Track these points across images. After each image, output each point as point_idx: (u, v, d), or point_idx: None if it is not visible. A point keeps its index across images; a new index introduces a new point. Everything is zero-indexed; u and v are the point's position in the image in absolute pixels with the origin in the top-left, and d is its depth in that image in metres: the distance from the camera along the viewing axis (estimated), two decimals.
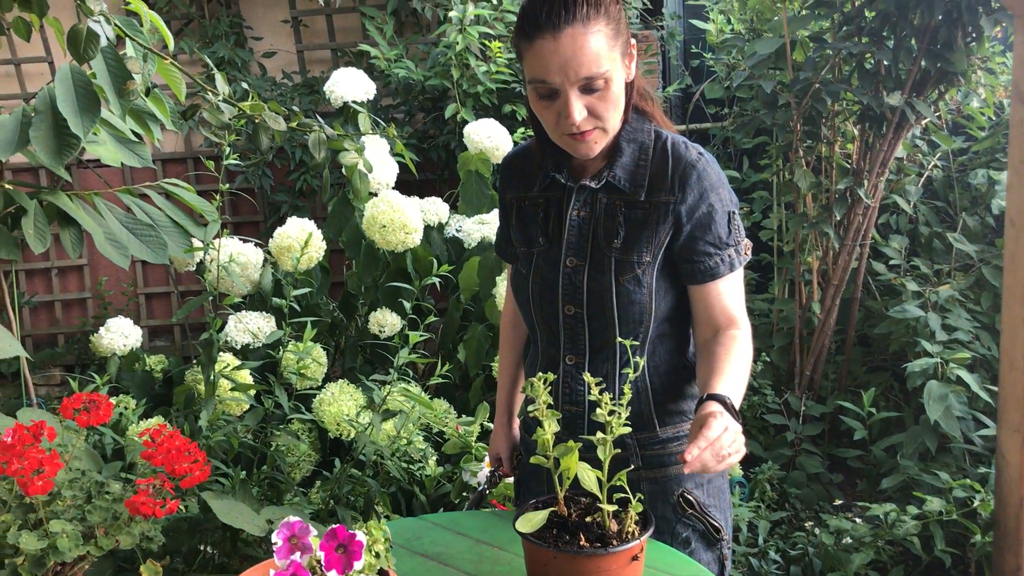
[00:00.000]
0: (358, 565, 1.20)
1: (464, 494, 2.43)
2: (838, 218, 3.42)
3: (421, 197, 3.40)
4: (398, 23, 4.61)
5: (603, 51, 1.44)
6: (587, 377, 1.39)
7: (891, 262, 3.63)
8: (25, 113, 2.36)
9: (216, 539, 2.21)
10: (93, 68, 1.89)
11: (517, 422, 1.94)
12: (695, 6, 4.42)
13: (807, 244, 3.56)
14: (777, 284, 3.83)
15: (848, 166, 3.50)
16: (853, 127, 3.49)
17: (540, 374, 1.39)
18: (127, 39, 1.92)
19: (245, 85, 1.64)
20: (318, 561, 1.21)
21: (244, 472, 2.37)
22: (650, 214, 1.57)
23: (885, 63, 3.17)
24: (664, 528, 1.62)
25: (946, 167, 3.88)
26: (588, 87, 1.46)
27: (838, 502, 3.12)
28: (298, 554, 1.21)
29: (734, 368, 1.50)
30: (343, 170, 3.28)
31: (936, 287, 3.37)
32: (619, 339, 1.56)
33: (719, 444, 1.30)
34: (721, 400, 1.40)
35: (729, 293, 1.58)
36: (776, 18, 3.43)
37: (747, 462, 3.45)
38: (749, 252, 1.63)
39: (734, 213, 1.59)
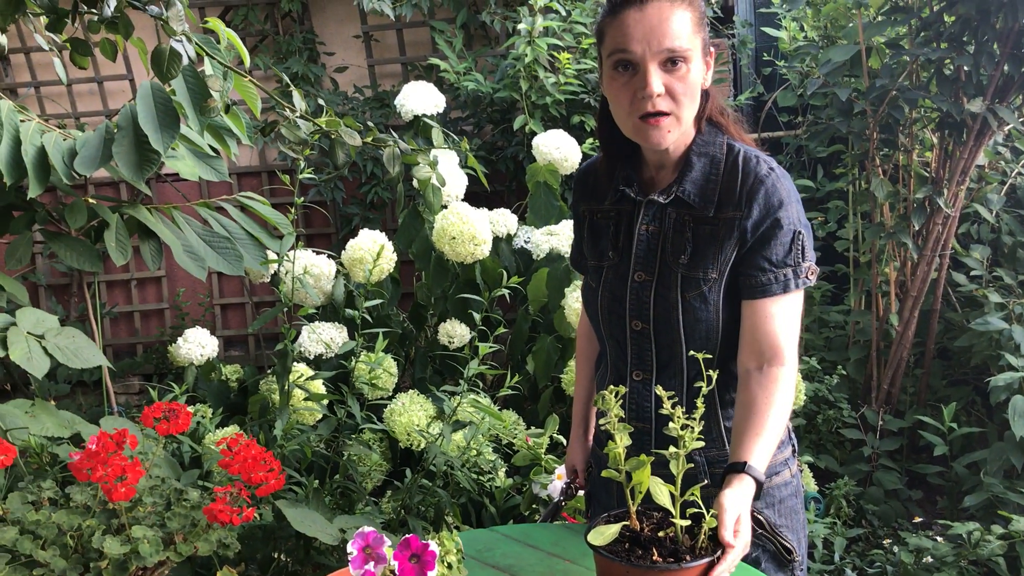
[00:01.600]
0: (431, 575, 1.21)
1: (534, 506, 2.43)
2: (916, 228, 3.33)
3: (490, 209, 3.42)
4: (467, 36, 4.65)
5: (686, 31, 1.46)
6: (659, 390, 1.38)
7: (972, 273, 3.52)
8: (108, 130, 2.44)
9: (290, 547, 2.25)
10: (173, 86, 1.95)
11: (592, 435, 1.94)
12: (767, 14, 4.36)
13: (884, 255, 3.47)
14: (853, 295, 3.75)
15: (927, 175, 3.42)
16: (932, 135, 3.40)
17: (611, 387, 1.38)
18: (206, 57, 1.98)
19: (321, 101, 1.66)
20: (392, 571, 1.22)
21: (317, 481, 2.40)
22: (718, 230, 1.55)
23: (966, 69, 3.09)
24: None
25: None
26: (669, 62, 1.47)
27: (918, 520, 3.03)
28: (372, 564, 1.23)
29: (772, 422, 1.48)
30: (414, 183, 3.32)
31: (1020, 298, 3.26)
32: (692, 352, 1.54)
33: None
34: (754, 476, 1.42)
35: (780, 318, 1.53)
36: (851, 25, 3.37)
37: (823, 477, 3.38)
38: (813, 277, 1.57)
39: (800, 233, 1.54)
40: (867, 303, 3.72)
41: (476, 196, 4.37)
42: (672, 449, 1.36)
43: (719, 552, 1.31)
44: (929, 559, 2.55)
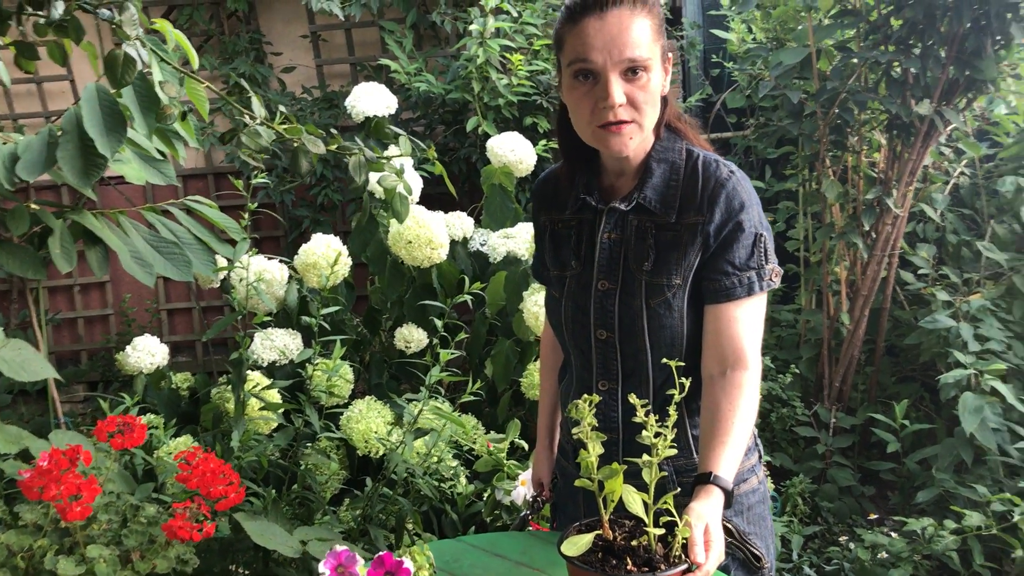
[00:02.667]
0: None
1: (496, 512, 2.41)
2: (866, 228, 3.38)
3: (444, 211, 3.40)
4: (417, 37, 4.61)
5: (647, 40, 1.46)
6: (632, 399, 1.37)
7: (919, 271, 3.59)
8: (52, 133, 2.36)
9: (248, 559, 2.20)
10: (121, 89, 1.90)
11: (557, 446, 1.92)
12: (716, 16, 4.40)
13: (835, 254, 3.52)
14: (804, 295, 3.80)
15: (875, 175, 3.47)
16: (881, 136, 3.46)
17: (585, 396, 1.37)
18: (152, 59, 1.92)
19: (282, 107, 1.62)
20: None
21: (274, 492, 2.36)
22: (680, 235, 1.54)
23: (913, 71, 3.15)
24: None
25: (973, 174, 3.85)
26: (629, 71, 1.46)
27: (872, 516, 3.08)
28: None
29: (737, 430, 1.47)
30: (380, 191, 3.26)
31: (966, 296, 3.33)
32: (665, 360, 1.53)
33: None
34: (721, 487, 1.41)
35: (744, 322, 1.52)
36: (801, 28, 3.41)
37: (778, 475, 3.41)
38: (776, 279, 1.57)
39: (763, 236, 1.54)
40: (818, 302, 3.78)
41: (429, 198, 4.34)
42: (645, 457, 1.36)
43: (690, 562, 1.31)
44: (884, 555, 2.59)
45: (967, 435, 2.78)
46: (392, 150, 3.38)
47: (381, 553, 1.20)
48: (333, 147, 1.62)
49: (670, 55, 1.54)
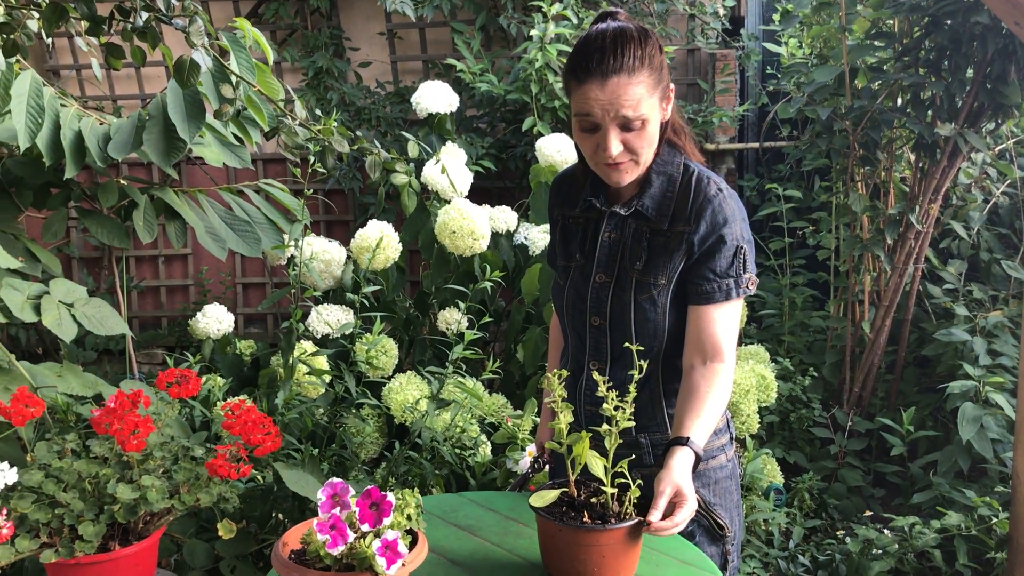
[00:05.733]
0: (387, 521, 1.43)
1: (509, 480, 2.65)
2: (890, 242, 3.51)
3: (500, 204, 3.63)
4: (486, 38, 4.85)
5: (644, 98, 1.63)
6: (595, 375, 1.59)
7: (947, 286, 3.70)
8: (140, 118, 2.67)
9: (286, 507, 2.47)
10: (201, 80, 2.16)
11: None
12: (771, 30, 4.54)
13: (861, 265, 3.66)
14: (832, 303, 3.94)
15: (906, 190, 3.59)
16: (910, 153, 3.58)
17: (555, 371, 1.60)
18: (231, 53, 2.19)
19: (339, 104, 1.88)
20: (354, 516, 1.44)
21: (316, 449, 2.63)
22: (670, 242, 1.74)
23: (941, 94, 3.26)
24: None
25: (1013, 195, 3.92)
26: (626, 126, 1.64)
27: (869, 513, 3.23)
28: (338, 509, 1.45)
29: (711, 408, 1.68)
30: (434, 183, 3.51)
31: (988, 312, 3.44)
32: (626, 344, 1.75)
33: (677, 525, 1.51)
34: (695, 451, 1.61)
35: (721, 322, 1.73)
36: (837, 47, 3.54)
37: (791, 471, 3.58)
38: (753, 287, 1.77)
39: (743, 248, 1.73)
40: (845, 310, 3.91)
41: (488, 191, 4.60)
42: (605, 427, 1.58)
43: (640, 518, 1.51)
44: (875, 549, 2.75)
45: (964, 443, 2.92)
46: (449, 147, 3.65)
47: (369, 487, 1.45)
48: (355, 147, 1.87)
49: (672, 86, 1.72)
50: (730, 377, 1.75)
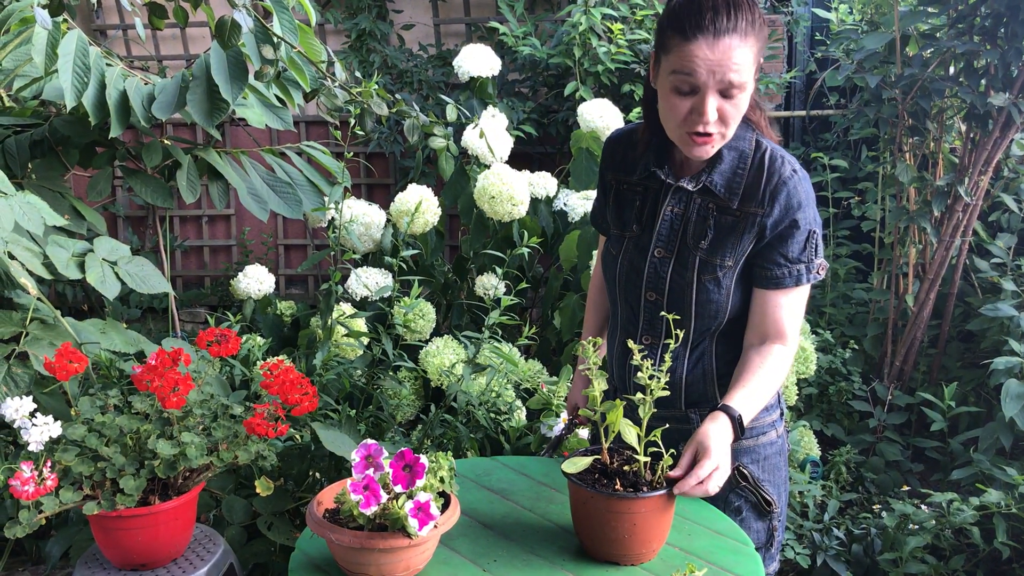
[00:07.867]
0: (420, 483, 1.45)
1: (543, 446, 2.66)
2: (937, 214, 3.44)
3: (540, 169, 3.61)
4: (529, 0, 4.81)
5: (749, 64, 1.54)
6: (629, 343, 1.58)
7: (994, 260, 3.63)
8: (184, 78, 2.69)
9: (323, 466, 2.50)
10: (244, 41, 2.16)
11: None
12: None
13: (907, 237, 3.59)
14: (876, 275, 3.88)
15: (955, 161, 3.51)
16: (961, 123, 3.50)
17: (590, 338, 1.59)
18: (275, 15, 2.19)
19: (377, 62, 1.87)
20: (388, 477, 1.46)
21: (353, 411, 2.66)
22: (739, 222, 1.68)
23: (995, 63, 3.18)
24: (718, 496, 1.70)
25: None
26: (726, 92, 1.55)
27: (906, 488, 3.20)
28: (372, 470, 1.46)
29: (761, 383, 1.65)
30: (474, 146, 3.49)
31: None
32: (663, 313, 1.73)
33: (704, 481, 1.49)
34: (732, 417, 1.58)
35: (788, 307, 1.69)
36: (889, 13, 3.46)
37: (829, 444, 3.55)
38: (823, 272, 1.72)
39: (815, 232, 1.68)
40: (889, 283, 3.86)
41: (528, 156, 4.57)
42: (639, 396, 1.57)
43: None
44: (912, 525, 2.72)
45: (1007, 420, 2.87)
46: (490, 111, 3.63)
47: (403, 449, 1.46)
48: (394, 110, 1.87)
49: (761, 60, 1.64)
50: (789, 360, 1.72)
